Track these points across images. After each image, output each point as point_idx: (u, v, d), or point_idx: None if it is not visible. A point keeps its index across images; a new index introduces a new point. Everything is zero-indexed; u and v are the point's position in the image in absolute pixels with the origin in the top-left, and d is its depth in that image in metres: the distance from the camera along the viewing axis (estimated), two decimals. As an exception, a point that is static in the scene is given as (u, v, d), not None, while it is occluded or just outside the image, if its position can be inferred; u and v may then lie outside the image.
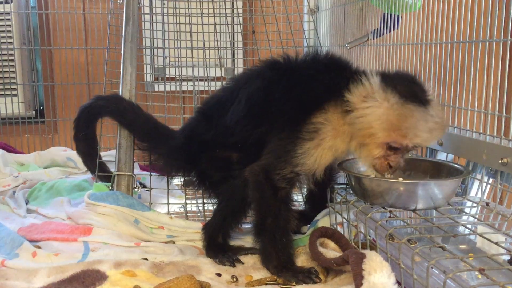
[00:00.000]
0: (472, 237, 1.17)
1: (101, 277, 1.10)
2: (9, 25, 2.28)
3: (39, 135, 2.39)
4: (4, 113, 2.29)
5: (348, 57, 1.85)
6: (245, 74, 1.34)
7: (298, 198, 1.66)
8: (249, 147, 1.24)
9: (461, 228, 1.17)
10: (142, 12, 2.07)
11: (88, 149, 1.62)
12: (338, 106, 1.15)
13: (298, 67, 1.25)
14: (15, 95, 2.32)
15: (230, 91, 1.31)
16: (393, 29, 1.55)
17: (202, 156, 1.33)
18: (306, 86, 1.19)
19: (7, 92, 2.31)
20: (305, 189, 1.51)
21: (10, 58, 2.30)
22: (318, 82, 1.18)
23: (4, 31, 2.28)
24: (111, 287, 1.06)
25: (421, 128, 1.08)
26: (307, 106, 1.17)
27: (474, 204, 1.20)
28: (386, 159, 1.13)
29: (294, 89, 1.20)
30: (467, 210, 1.19)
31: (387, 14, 1.57)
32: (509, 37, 1.08)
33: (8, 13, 2.28)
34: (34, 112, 2.40)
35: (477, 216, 1.15)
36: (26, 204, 1.70)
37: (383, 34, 1.61)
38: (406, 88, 1.10)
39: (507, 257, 0.99)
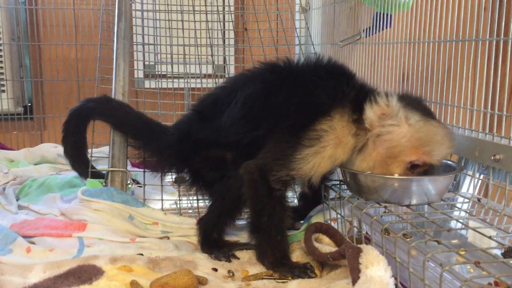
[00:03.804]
0: (463, 232, 1.19)
1: (98, 272, 1.09)
2: (-2, 20, 2.26)
3: (28, 131, 2.37)
4: (-7, 109, 2.27)
5: (339, 55, 1.88)
6: (244, 75, 1.32)
7: (291, 195, 1.67)
8: (243, 147, 1.23)
9: (453, 223, 1.19)
10: (134, 8, 2.06)
11: (76, 153, 1.58)
12: (345, 115, 1.15)
13: (301, 72, 1.23)
14: (3, 91, 2.29)
15: (227, 91, 1.29)
16: (385, 28, 1.57)
17: (196, 155, 1.32)
18: (310, 91, 1.17)
19: (-4, 88, 2.29)
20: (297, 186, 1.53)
21: (-1, 53, 2.28)
22: (322, 88, 1.17)
23: (-8, 26, 2.25)
24: (108, 282, 1.06)
25: (445, 144, 1.10)
26: (312, 112, 1.15)
27: (466, 200, 1.22)
28: None
29: (298, 94, 1.18)
30: (459, 205, 1.22)
31: (380, 13, 1.59)
32: (496, 37, 1.10)
33: (-4, 8, 2.26)
34: (22, 109, 2.38)
35: (468, 211, 1.17)
36: (17, 200, 1.69)
37: (375, 33, 1.63)
38: (421, 107, 1.14)
39: (499, 251, 1.02)
